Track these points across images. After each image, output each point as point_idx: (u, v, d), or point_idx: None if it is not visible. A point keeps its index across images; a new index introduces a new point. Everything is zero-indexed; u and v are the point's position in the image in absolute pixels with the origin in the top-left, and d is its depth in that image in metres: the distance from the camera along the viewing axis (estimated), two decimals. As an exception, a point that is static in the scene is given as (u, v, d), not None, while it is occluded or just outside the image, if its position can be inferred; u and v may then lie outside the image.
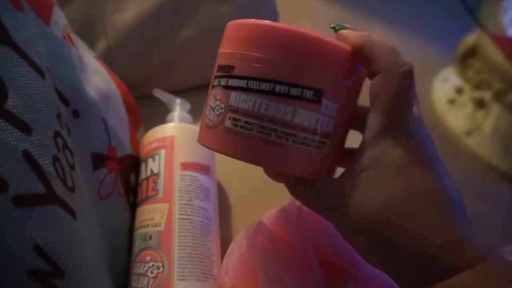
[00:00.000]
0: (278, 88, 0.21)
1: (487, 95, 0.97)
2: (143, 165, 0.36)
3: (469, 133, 1.05)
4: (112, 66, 0.40)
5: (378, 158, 0.21)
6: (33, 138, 0.21)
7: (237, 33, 0.23)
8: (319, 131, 0.22)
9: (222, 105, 0.22)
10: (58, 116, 0.24)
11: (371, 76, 0.23)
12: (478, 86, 0.99)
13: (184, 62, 0.49)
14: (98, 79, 0.34)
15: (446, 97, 1.09)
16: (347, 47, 0.22)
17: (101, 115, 0.32)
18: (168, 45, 0.47)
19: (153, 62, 0.48)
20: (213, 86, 0.24)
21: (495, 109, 0.95)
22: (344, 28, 0.24)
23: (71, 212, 0.23)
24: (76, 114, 0.29)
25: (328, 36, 0.22)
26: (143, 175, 0.35)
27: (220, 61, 0.24)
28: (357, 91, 0.24)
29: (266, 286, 0.28)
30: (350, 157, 0.23)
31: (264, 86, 0.21)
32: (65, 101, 0.28)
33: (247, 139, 0.22)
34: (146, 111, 0.43)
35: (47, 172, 0.21)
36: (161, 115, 0.40)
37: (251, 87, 0.21)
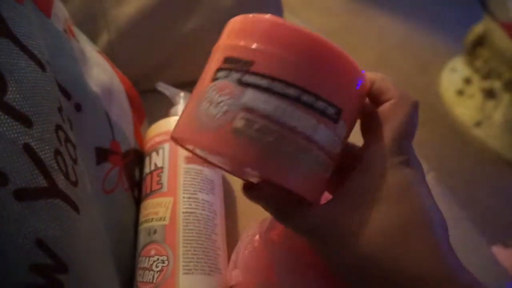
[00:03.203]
0: (305, 97, 0.19)
1: (496, 84, 0.95)
2: (147, 159, 0.35)
3: (478, 124, 1.04)
4: (115, 60, 0.40)
5: (381, 178, 0.21)
6: (34, 131, 0.21)
7: (260, 28, 0.21)
8: (329, 152, 0.21)
9: (232, 101, 0.19)
10: (60, 109, 0.24)
11: (374, 108, 0.23)
12: (487, 75, 0.97)
13: (187, 55, 0.48)
14: (100, 72, 0.33)
15: (455, 87, 1.08)
16: (366, 77, 0.22)
17: (104, 109, 0.32)
18: (171, 38, 0.47)
19: (156, 55, 0.47)
20: (216, 79, 0.21)
21: (505, 99, 0.93)
22: None
23: (74, 206, 0.22)
24: (78, 107, 0.28)
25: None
26: (147, 169, 0.35)
27: (230, 53, 0.21)
28: (357, 119, 0.24)
29: (283, 280, 0.27)
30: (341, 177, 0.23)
31: (290, 91, 0.19)
32: (66, 94, 0.27)
33: (260, 145, 0.19)
34: (150, 105, 0.43)
35: (49, 165, 0.21)
36: (165, 109, 0.40)
37: (275, 89, 0.19)
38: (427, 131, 1.00)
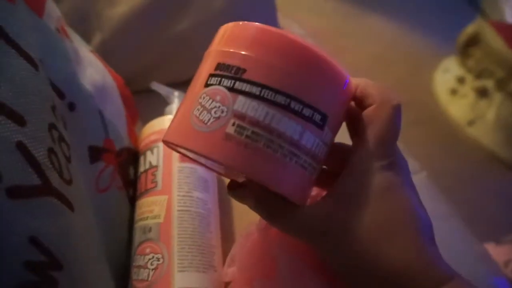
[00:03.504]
0: (293, 104, 0.20)
1: (489, 84, 0.96)
2: (141, 158, 0.35)
3: (471, 123, 1.05)
4: (108, 60, 0.40)
5: (365, 181, 0.22)
6: (27, 129, 0.21)
7: (253, 35, 0.22)
8: (316, 156, 0.22)
9: (224, 108, 0.20)
10: (53, 108, 0.24)
11: (359, 112, 0.24)
12: (479, 75, 0.98)
13: (180, 55, 0.48)
14: (93, 72, 0.33)
15: (448, 87, 1.09)
16: (352, 83, 0.23)
17: (98, 107, 0.32)
18: (163, 38, 0.47)
19: (149, 55, 0.48)
20: (209, 85, 0.21)
21: (498, 98, 0.94)
22: None
23: (68, 204, 0.22)
24: (71, 107, 0.28)
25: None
26: (141, 168, 0.35)
27: (222, 59, 0.22)
28: (341, 124, 0.24)
29: (281, 277, 0.27)
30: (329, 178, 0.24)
31: (279, 98, 0.20)
32: (60, 93, 0.27)
33: (251, 150, 0.20)
34: (144, 105, 0.43)
35: (42, 163, 0.21)
36: (159, 108, 0.40)
37: (265, 96, 0.20)
38: (420, 131, 1.00)
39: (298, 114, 0.20)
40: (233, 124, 0.20)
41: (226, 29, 0.23)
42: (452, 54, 1.19)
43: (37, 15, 0.27)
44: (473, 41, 1.09)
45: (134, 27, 0.45)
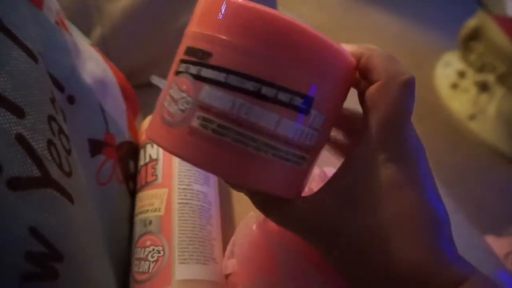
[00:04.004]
0: (264, 89, 0.17)
1: (490, 78, 0.95)
2: (142, 152, 0.35)
3: (472, 117, 1.04)
4: (108, 54, 0.40)
5: (367, 176, 0.19)
6: (26, 121, 0.21)
7: (218, 11, 0.18)
8: (301, 145, 0.19)
9: (189, 99, 0.18)
10: (52, 100, 0.24)
11: (368, 86, 0.20)
12: (481, 69, 0.98)
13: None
14: (93, 65, 0.33)
15: (449, 81, 1.08)
16: (346, 53, 0.20)
17: (98, 101, 0.32)
18: (164, 32, 0.47)
19: (149, 50, 0.47)
20: (178, 73, 0.19)
21: (499, 92, 0.94)
22: None
23: (68, 196, 0.23)
24: (71, 100, 0.28)
25: (328, 38, 0.19)
26: (142, 162, 0.35)
27: (191, 42, 0.19)
28: (343, 102, 0.21)
29: (281, 270, 0.27)
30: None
31: (248, 84, 0.17)
32: (60, 86, 0.27)
33: (218, 146, 0.18)
34: (144, 99, 0.43)
35: (42, 155, 0.21)
36: (159, 102, 0.40)
37: (231, 83, 0.17)
38: (421, 125, 1.00)
39: (271, 100, 0.17)
40: (198, 117, 0.18)
41: (199, 4, 0.20)
42: (453, 49, 1.18)
43: (37, 7, 0.27)
44: (475, 35, 1.08)
45: (134, 21, 0.45)
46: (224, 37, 0.18)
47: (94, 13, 0.45)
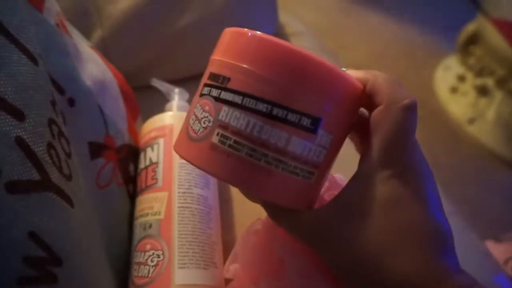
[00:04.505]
0: (275, 111, 0.20)
1: (489, 82, 0.96)
2: (142, 155, 0.35)
3: (471, 120, 1.04)
4: (108, 56, 0.39)
5: (368, 192, 0.21)
6: (27, 124, 0.21)
7: (238, 42, 0.21)
8: (310, 161, 0.21)
9: (211, 118, 0.21)
10: (53, 103, 0.24)
11: (373, 109, 0.22)
12: (480, 73, 0.98)
13: (181, 51, 0.48)
14: (93, 67, 0.33)
15: (448, 85, 1.08)
16: (351, 79, 0.22)
17: (98, 103, 0.32)
18: (164, 34, 0.47)
19: (149, 51, 0.47)
20: (202, 95, 0.22)
21: (498, 96, 0.94)
22: (346, 69, 0.23)
23: (68, 200, 0.22)
24: (71, 102, 0.28)
25: (333, 64, 0.21)
26: (142, 165, 0.35)
27: (214, 68, 0.22)
28: (352, 124, 0.23)
29: (287, 275, 0.27)
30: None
31: (260, 106, 0.20)
32: (60, 89, 0.27)
33: (234, 160, 0.20)
34: (144, 101, 0.43)
35: (42, 158, 0.21)
36: (159, 105, 0.40)
37: (246, 104, 0.20)
38: (420, 128, 1.00)
39: (282, 120, 0.20)
40: (218, 134, 0.20)
41: (222, 35, 0.23)
42: (452, 52, 1.18)
43: (37, 10, 0.27)
44: (474, 39, 1.09)
45: (134, 23, 0.45)
46: (241, 64, 0.20)
47: (94, 15, 0.45)
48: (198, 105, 0.22)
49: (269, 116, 0.20)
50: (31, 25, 0.25)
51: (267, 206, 0.24)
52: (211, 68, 0.22)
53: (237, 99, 0.20)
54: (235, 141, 0.20)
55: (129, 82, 0.41)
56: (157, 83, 0.41)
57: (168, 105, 0.39)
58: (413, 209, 0.20)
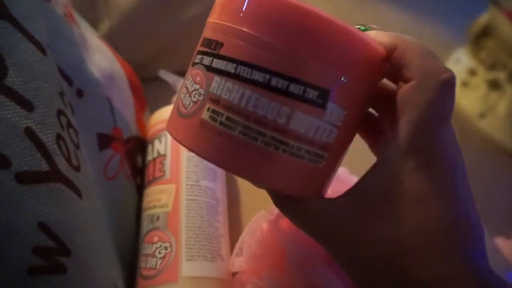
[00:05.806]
0: (274, 81, 0.16)
1: (501, 76, 0.94)
2: (149, 147, 0.35)
3: (482, 115, 1.03)
4: (116, 47, 0.39)
5: (393, 183, 0.18)
6: (35, 115, 0.21)
7: (234, 2, 0.18)
8: (317, 142, 0.18)
9: (201, 91, 0.17)
10: (61, 94, 0.24)
11: (400, 82, 0.19)
12: (492, 67, 0.96)
13: (189, 42, 0.47)
14: (101, 58, 0.33)
15: (459, 79, 1.07)
16: (371, 42, 0.18)
17: (106, 95, 0.31)
18: (172, 25, 0.46)
19: (157, 42, 0.47)
20: (194, 64, 0.19)
21: (510, 90, 0.93)
22: (370, 29, 0.20)
23: (77, 191, 0.22)
24: (80, 93, 0.28)
25: (348, 24, 0.17)
26: (149, 157, 0.34)
27: (207, 33, 0.19)
28: (370, 98, 0.20)
29: (291, 269, 0.27)
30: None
31: (257, 75, 0.16)
32: (68, 80, 0.27)
33: (226, 140, 0.17)
34: (153, 93, 0.43)
35: (51, 149, 0.21)
36: (167, 96, 0.40)
37: (240, 73, 0.17)
38: (430, 123, 0.99)
39: (282, 92, 0.16)
40: (208, 109, 0.17)
41: None
42: (463, 45, 1.17)
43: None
44: (486, 31, 1.07)
45: (142, 14, 0.45)
46: (236, 26, 0.17)
47: (101, 5, 0.44)
48: (189, 76, 0.19)
49: (266, 86, 0.16)
50: (39, 15, 0.25)
51: (271, 192, 0.21)
52: (205, 33, 0.19)
53: (230, 67, 0.17)
54: (227, 118, 0.17)
55: (137, 73, 0.41)
56: (164, 74, 0.41)
57: (175, 97, 0.39)
58: (443, 205, 0.18)
